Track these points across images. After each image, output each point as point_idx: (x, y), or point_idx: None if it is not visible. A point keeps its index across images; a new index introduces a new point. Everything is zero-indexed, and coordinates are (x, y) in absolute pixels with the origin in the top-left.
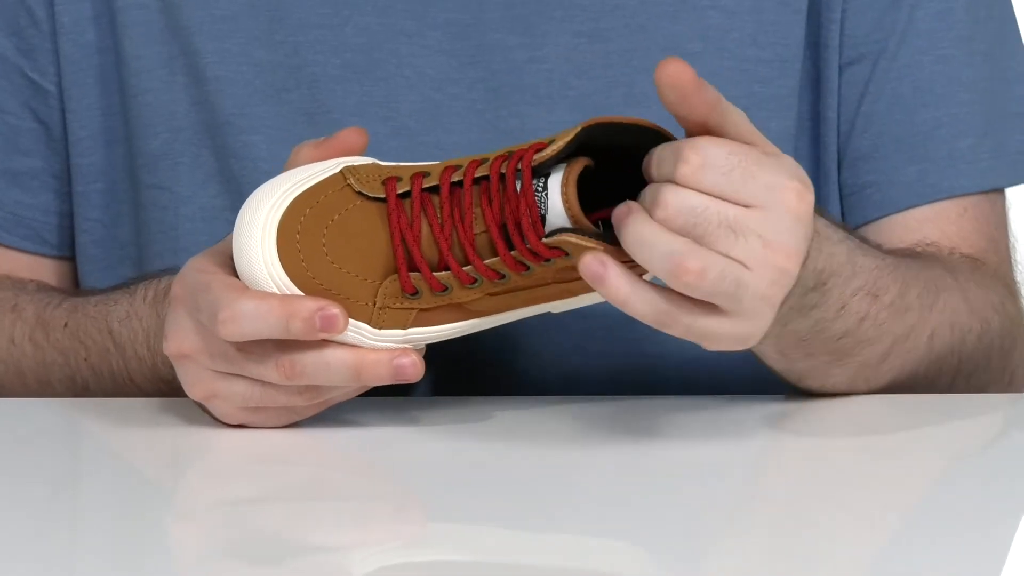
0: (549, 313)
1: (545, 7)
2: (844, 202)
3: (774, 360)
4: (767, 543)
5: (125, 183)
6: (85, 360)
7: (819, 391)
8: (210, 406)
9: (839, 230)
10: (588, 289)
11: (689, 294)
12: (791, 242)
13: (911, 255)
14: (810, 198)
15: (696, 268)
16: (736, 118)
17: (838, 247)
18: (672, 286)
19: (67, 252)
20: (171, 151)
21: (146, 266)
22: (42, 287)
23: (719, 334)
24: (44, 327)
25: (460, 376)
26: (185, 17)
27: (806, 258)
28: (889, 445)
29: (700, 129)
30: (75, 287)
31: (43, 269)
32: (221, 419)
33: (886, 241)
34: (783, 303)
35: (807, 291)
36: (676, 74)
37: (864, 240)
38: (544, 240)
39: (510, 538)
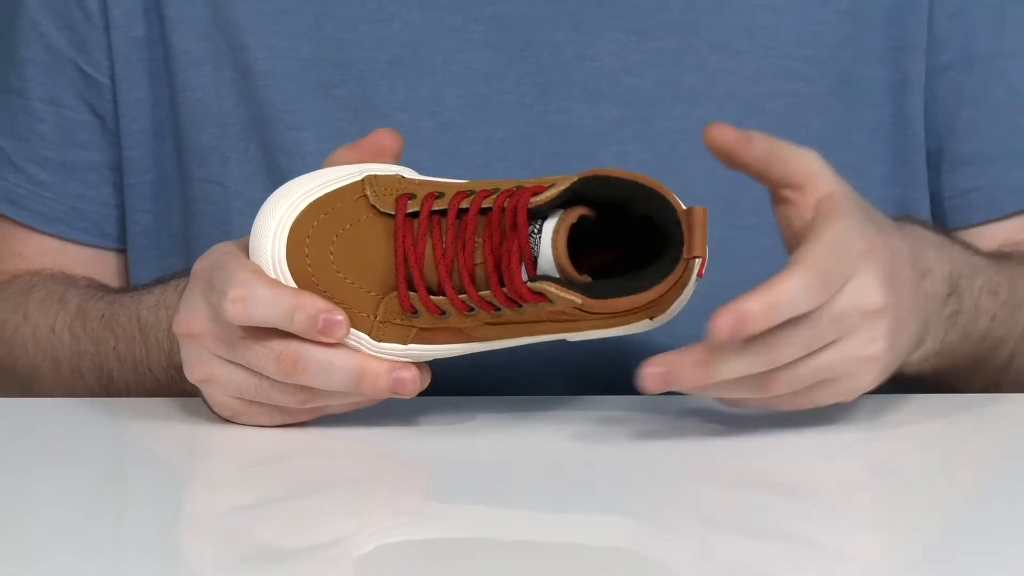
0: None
1: (593, 4)
2: (943, 205)
3: (926, 375)
4: (777, 541)
5: (175, 175)
6: (113, 349)
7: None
8: (205, 391)
9: (941, 234)
10: (594, 326)
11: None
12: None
13: (1001, 255)
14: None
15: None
16: (801, 160)
17: (953, 249)
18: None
19: (125, 244)
20: (220, 146)
21: (195, 257)
22: (91, 283)
23: (827, 400)
24: (83, 317)
25: (458, 373)
26: (232, 12)
27: (931, 269)
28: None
29: (767, 177)
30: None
31: (103, 261)
32: (213, 407)
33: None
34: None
35: (946, 298)
36: (718, 136)
37: (965, 242)
38: (528, 284)
39: (507, 517)
